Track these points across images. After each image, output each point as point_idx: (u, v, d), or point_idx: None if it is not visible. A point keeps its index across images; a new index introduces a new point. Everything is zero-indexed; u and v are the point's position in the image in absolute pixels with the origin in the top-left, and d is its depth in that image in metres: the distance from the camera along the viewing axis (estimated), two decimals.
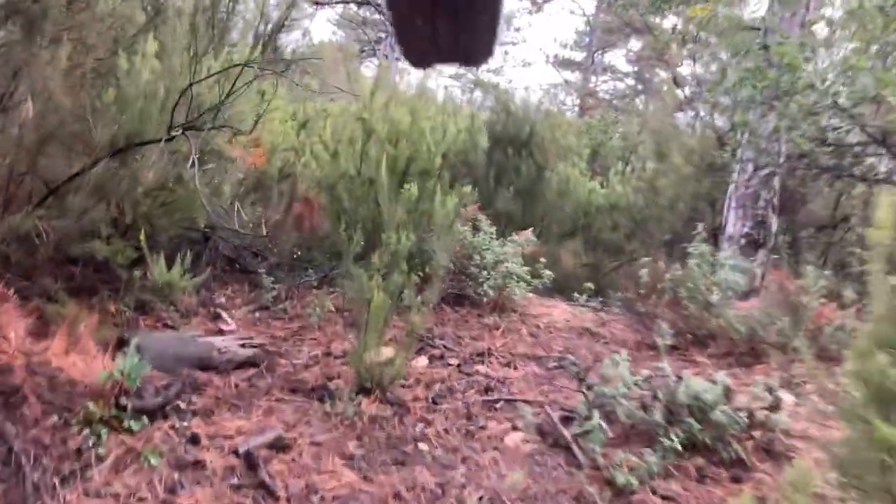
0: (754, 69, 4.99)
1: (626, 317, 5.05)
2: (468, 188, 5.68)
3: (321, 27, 45.18)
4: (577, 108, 31.59)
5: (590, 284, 6.99)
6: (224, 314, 4.17)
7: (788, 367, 3.35)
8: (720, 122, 7.99)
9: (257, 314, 4.34)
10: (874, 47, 4.73)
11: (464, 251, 4.79)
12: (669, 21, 9.63)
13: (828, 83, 4.39)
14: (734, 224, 6.82)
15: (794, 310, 3.65)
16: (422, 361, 3.74)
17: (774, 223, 6.79)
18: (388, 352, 3.76)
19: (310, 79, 9.64)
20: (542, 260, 5.48)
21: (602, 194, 11.40)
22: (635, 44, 30.67)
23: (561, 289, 6.99)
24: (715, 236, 8.14)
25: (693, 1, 8.19)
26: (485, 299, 4.47)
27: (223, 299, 4.55)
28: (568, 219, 8.20)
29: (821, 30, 6.11)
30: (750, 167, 6.76)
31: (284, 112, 6.03)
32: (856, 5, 4.65)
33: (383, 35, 26.37)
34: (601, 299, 6.67)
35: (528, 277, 4.77)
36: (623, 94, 31.81)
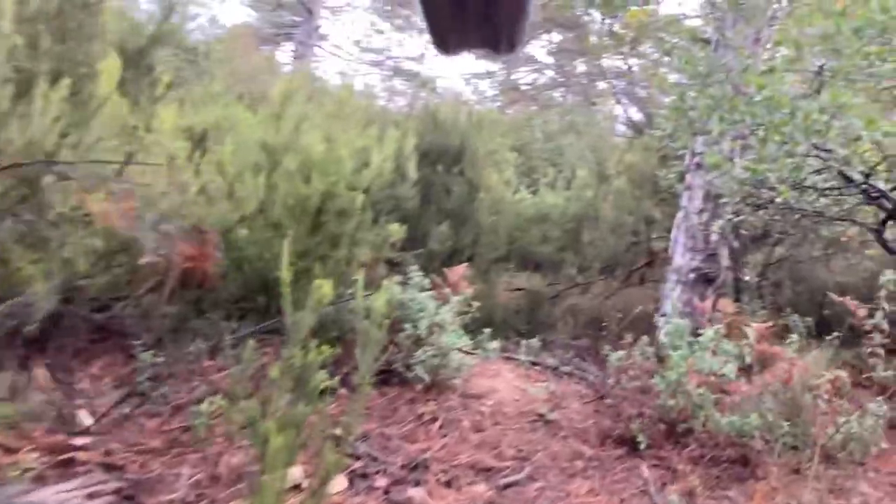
0: (722, 99, 4.36)
1: (580, 382, 4.39)
2: (395, 226, 4.87)
3: (233, 10, 43.04)
4: (498, 102, 31.15)
5: (524, 330, 6.35)
6: (81, 414, 3.22)
7: (795, 491, 2.74)
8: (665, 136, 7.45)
9: (127, 407, 3.41)
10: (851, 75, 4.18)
11: (392, 312, 3.98)
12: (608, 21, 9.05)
13: (812, 121, 3.79)
14: (682, 255, 6.26)
15: (794, 405, 3.04)
16: (340, 483, 2.92)
17: (726, 257, 6.27)
18: (296, 473, 2.93)
19: (216, 70, 8.55)
20: (473, 304, 4.75)
21: (532, 204, 10.81)
22: (556, 36, 30.41)
23: (498, 327, 6.29)
24: (650, 263, 7.62)
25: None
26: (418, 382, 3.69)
27: (87, 382, 3.59)
28: (500, 240, 7.48)
29: (782, 50, 5.55)
30: (699, 195, 6.21)
31: (177, 126, 5.02)
32: (833, 30, 4.09)
33: (300, 19, 24.97)
34: (544, 346, 6.00)
35: (470, 345, 4.03)
36: (545, 87, 31.52)
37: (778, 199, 4.04)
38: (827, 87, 4.10)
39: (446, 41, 0.76)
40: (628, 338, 6.36)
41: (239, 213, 4.03)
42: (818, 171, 4.51)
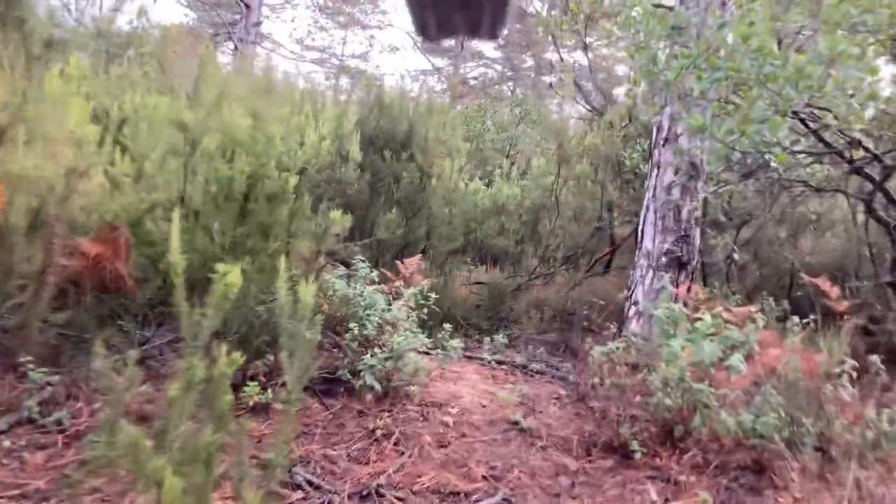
0: (698, 57, 3.90)
1: (554, 381, 3.87)
2: (338, 214, 4.29)
3: (170, 9, 41.65)
4: (448, 97, 30.64)
5: (486, 326, 5.84)
6: None
7: (823, 501, 2.26)
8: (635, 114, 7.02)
9: (9, 439, 2.77)
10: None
11: (335, 309, 3.41)
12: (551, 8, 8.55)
13: (805, 75, 3.34)
14: (652, 239, 5.82)
15: (811, 398, 2.57)
16: None
17: (698, 238, 5.85)
18: None
19: (149, 67, 7.82)
20: (431, 296, 4.21)
21: (488, 195, 10.32)
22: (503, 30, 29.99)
23: (458, 324, 5.76)
24: (615, 249, 7.17)
25: None
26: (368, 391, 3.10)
27: None
28: (456, 231, 6.94)
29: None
30: (670, 172, 5.77)
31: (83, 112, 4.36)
32: None
33: (239, 17, 24.05)
34: (509, 343, 5.48)
35: (428, 345, 3.48)
36: (493, 81, 31.13)
37: (774, 164, 3.58)
38: (820, 36, 3.65)
39: (428, 27, 0.76)
40: (604, 331, 5.91)
41: (149, 202, 3.40)
42: (798, 138, 4.09)
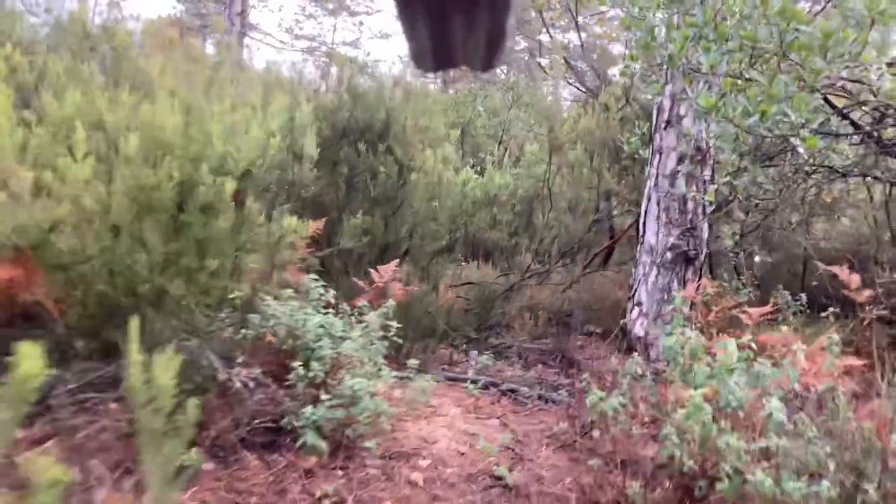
0: (707, 23, 3.32)
1: (548, 409, 3.33)
2: (293, 221, 3.73)
3: (159, 1, 40.89)
4: (439, 81, 29.94)
5: (475, 335, 5.31)
6: None
7: None
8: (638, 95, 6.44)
9: None
10: None
11: (281, 342, 2.86)
12: None
13: (835, 41, 2.77)
14: (656, 233, 5.26)
15: (870, 448, 2.02)
16: None
17: (706, 231, 5.29)
18: None
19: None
20: (392, 325, 3.67)
21: (479, 185, 9.75)
22: None
23: (443, 335, 5.22)
24: (614, 243, 6.61)
25: None
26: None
27: None
28: (442, 228, 6.37)
29: None
30: (673, 157, 5.21)
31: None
32: None
33: (223, 7, 23.32)
34: (499, 354, 4.95)
35: (394, 380, 2.94)
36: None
37: (800, 149, 3.02)
38: None
39: (427, 63, 0.76)
40: (603, 346, 5.37)
41: (51, 219, 2.85)
42: (828, 117, 3.52)
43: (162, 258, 3.09)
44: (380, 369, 2.86)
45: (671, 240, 5.18)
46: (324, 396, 2.56)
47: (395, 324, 3.14)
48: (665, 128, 5.22)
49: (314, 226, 5.07)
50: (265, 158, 3.44)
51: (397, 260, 4.70)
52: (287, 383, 2.68)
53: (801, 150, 3.01)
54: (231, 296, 3.14)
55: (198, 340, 2.80)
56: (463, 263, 8.40)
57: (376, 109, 6.12)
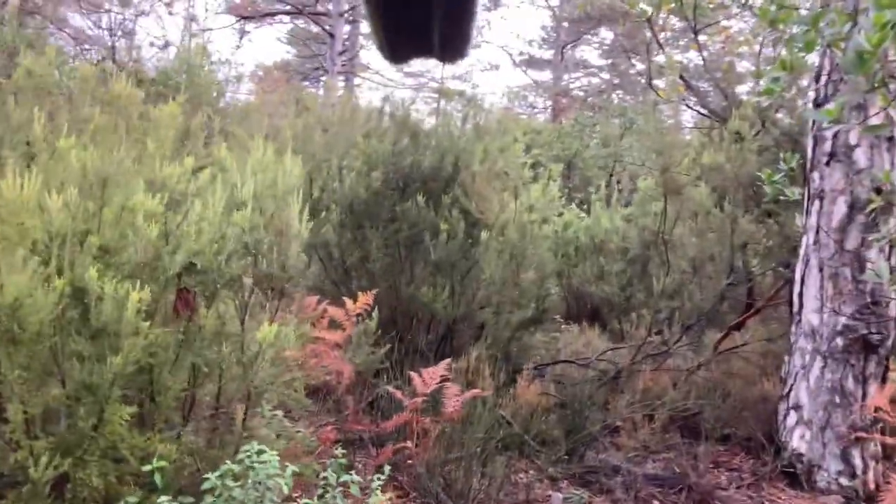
0: None
1: None
2: (269, 330, 2.59)
3: (270, 47, 42.18)
4: (549, 111, 28.62)
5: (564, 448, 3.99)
6: None
7: None
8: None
9: None
10: None
11: None
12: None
13: None
14: (819, 310, 3.74)
15: None
16: None
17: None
18: None
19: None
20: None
21: (583, 229, 8.36)
22: (607, 34, 27.76)
23: (522, 447, 3.93)
24: (753, 314, 5.03)
25: None
26: None
27: None
28: (528, 293, 5.06)
29: None
30: (842, 204, 3.69)
31: None
32: None
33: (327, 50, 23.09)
34: (593, 478, 3.60)
35: None
36: (598, 90, 28.79)
37: None
38: None
39: (393, 52, 0.76)
40: (747, 463, 3.94)
41: None
42: None
43: (40, 414, 2.02)
44: None
45: (842, 320, 3.64)
46: None
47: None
48: (828, 163, 3.72)
49: (363, 300, 3.97)
50: (222, 243, 2.32)
51: (448, 360, 3.44)
52: None
53: None
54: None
55: None
56: (563, 325, 7.06)
57: (443, 155, 4.97)
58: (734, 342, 4.81)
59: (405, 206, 4.73)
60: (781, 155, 4.54)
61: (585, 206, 9.51)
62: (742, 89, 6.20)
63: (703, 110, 6.32)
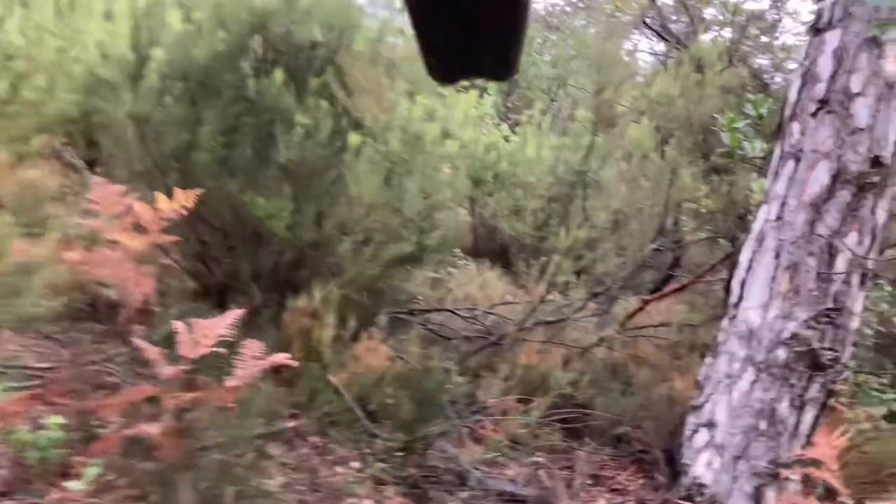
0: None
1: None
2: None
3: None
4: None
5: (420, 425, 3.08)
6: None
7: None
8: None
9: None
10: None
11: None
12: None
13: None
14: (763, 305, 2.81)
15: None
16: None
17: (858, 314, 2.81)
18: None
19: None
20: None
21: (507, 152, 7.31)
22: None
23: (358, 426, 2.97)
24: (676, 290, 4.09)
25: None
26: None
27: None
28: (410, 224, 3.99)
29: None
30: (824, 172, 2.71)
31: None
32: None
33: None
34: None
35: None
36: (561, 13, 27.17)
37: None
38: None
39: (444, 75, 0.67)
40: (636, 482, 3.09)
41: None
42: None
43: None
44: None
45: (791, 326, 2.72)
46: None
47: None
48: (815, 113, 2.70)
49: (180, 200, 2.87)
50: None
51: (239, 311, 2.35)
52: None
53: None
54: None
55: None
56: (462, 262, 6.08)
57: (327, 20, 3.75)
58: (649, 320, 3.90)
59: (261, 85, 3.53)
60: (747, 98, 3.53)
61: (519, 129, 8.44)
62: (710, 11, 5.08)
63: (661, 31, 5.22)
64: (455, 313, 4.37)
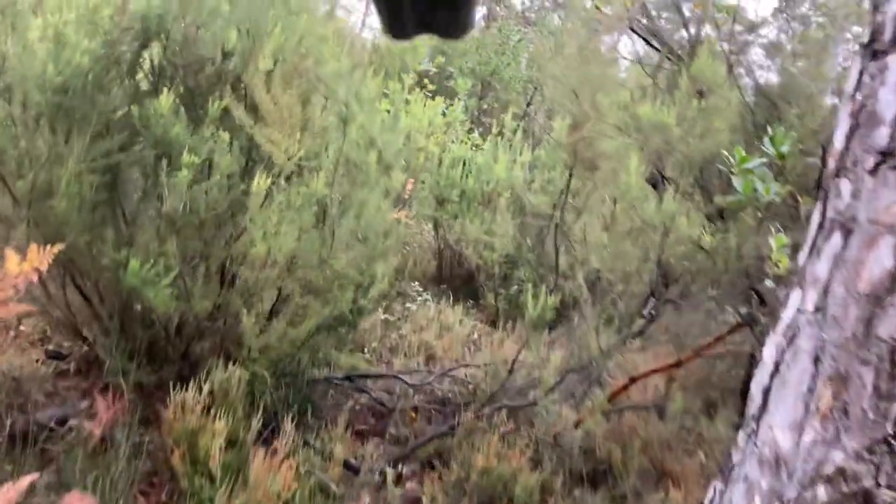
0: None
1: None
2: None
3: None
4: (483, 21, 26.05)
5: None
6: None
7: None
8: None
9: None
10: None
11: None
12: None
13: None
14: (797, 424, 2.07)
15: None
16: None
17: None
18: None
19: None
20: None
21: (475, 169, 6.55)
22: None
23: None
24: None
25: None
26: None
27: None
28: (344, 279, 3.22)
29: None
30: (887, 250, 2.00)
31: None
32: None
33: None
34: None
35: None
36: (541, 8, 26.42)
37: None
38: None
39: (395, 29, 0.70)
40: None
41: None
42: None
43: None
44: None
45: (837, 456, 2.00)
46: None
47: None
48: (876, 168, 1.96)
49: (34, 260, 2.14)
50: None
51: (33, 476, 1.57)
52: None
53: None
54: None
55: None
56: (420, 298, 5.34)
57: (236, 24, 2.97)
58: (639, 396, 3.17)
59: (144, 111, 2.74)
60: (769, 130, 2.79)
61: (493, 136, 7.71)
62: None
63: (650, 39, 4.47)
64: (402, 380, 3.62)
